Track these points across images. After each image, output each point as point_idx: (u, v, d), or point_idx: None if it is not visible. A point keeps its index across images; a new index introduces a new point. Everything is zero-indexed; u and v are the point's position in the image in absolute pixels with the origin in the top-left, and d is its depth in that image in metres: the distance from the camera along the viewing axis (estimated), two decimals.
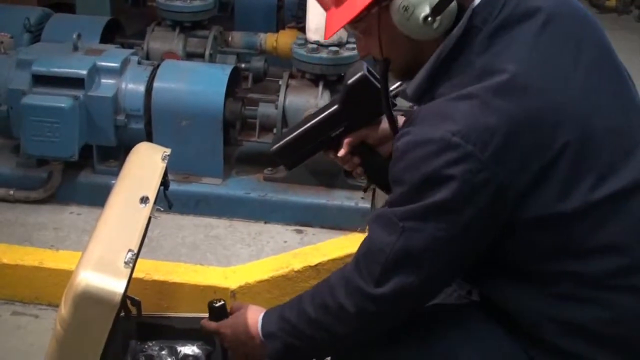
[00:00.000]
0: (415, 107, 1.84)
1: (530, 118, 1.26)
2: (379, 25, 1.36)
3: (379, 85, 1.57)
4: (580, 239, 1.31)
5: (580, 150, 1.28)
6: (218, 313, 1.69)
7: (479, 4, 1.33)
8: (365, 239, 1.41)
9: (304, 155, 1.70)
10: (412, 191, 1.30)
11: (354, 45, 2.84)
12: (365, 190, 1.83)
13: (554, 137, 1.27)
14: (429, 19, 1.29)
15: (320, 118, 1.64)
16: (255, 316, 1.56)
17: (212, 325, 1.68)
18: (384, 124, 1.64)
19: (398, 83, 1.66)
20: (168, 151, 1.85)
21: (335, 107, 1.63)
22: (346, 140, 1.63)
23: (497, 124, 1.25)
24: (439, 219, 1.28)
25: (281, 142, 1.68)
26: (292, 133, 1.68)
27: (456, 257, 1.34)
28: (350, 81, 1.58)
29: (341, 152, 1.63)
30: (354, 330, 1.42)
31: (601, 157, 1.30)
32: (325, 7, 1.43)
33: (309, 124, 1.65)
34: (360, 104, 1.61)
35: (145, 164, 1.80)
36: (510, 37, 1.31)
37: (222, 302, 1.70)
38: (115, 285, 1.36)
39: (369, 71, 1.58)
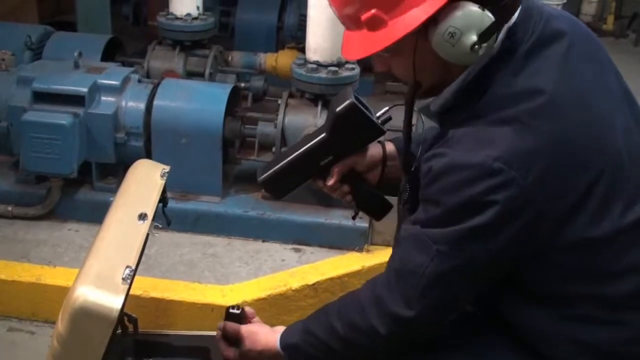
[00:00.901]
0: (414, 130, 1.83)
1: (569, 142, 1.27)
2: (414, 49, 1.32)
3: (367, 113, 1.56)
4: (606, 263, 1.32)
5: (613, 176, 1.29)
6: (235, 320, 1.67)
7: (515, 23, 1.32)
8: (395, 256, 1.40)
9: (292, 185, 1.67)
10: (449, 214, 1.29)
11: (353, 65, 2.88)
12: (354, 217, 1.81)
13: (591, 163, 1.28)
14: (476, 46, 1.26)
15: (309, 147, 1.61)
16: (270, 335, 1.58)
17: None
18: (372, 150, 1.64)
19: (386, 108, 1.64)
20: (167, 168, 1.86)
21: (324, 135, 1.60)
22: (335, 169, 1.61)
23: (538, 149, 1.24)
24: (475, 243, 1.28)
25: (269, 172, 1.64)
26: (280, 162, 1.64)
27: (485, 278, 1.34)
28: (338, 109, 1.55)
29: (330, 181, 1.62)
30: (382, 348, 1.42)
31: (630, 182, 1.32)
32: (352, 28, 1.37)
33: (297, 153, 1.62)
34: (349, 132, 1.59)
35: (144, 181, 1.80)
36: (544, 58, 1.31)
37: (241, 310, 1.68)
38: (112, 301, 1.36)
39: (356, 98, 1.57)
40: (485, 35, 1.26)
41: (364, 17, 1.31)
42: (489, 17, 1.26)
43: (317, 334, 1.48)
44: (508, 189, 1.23)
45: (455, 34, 1.25)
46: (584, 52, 1.36)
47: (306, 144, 1.62)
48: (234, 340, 1.64)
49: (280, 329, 1.59)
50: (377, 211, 1.75)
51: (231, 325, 1.64)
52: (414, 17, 1.26)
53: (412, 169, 1.50)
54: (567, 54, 1.33)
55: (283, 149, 1.75)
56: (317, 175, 1.64)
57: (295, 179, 1.66)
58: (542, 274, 1.33)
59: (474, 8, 1.25)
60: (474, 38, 1.25)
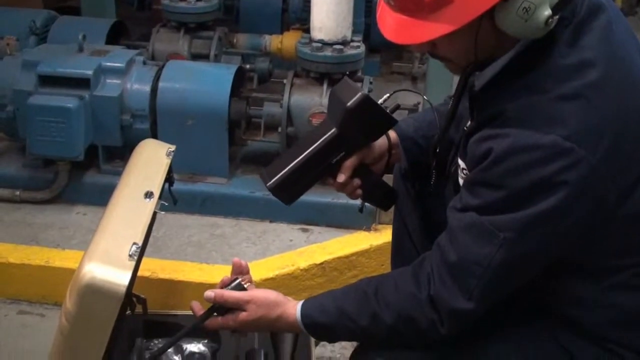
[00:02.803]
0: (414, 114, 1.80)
1: (629, 116, 1.25)
2: (478, 27, 1.24)
3: (378, 103, 1.51)
4: None
5: None
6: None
7: None
8: (449, 248, 1.32)
9: (304, 187, 1.58)
10: (515, 198, 1.24)
11: (359, 44, 2.86)
12: (361, 210, 1.75)
13: None
14: (550, 20, 1.21)
15: (319, 144, 1.52)
16: (287, 301, 1.49)
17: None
18: (378, 140, 1.61)
19: (387, 95, 1.59)
20: (173, 147, 1.86)
21: (334, 131, 1.52)
22: (347, 164, 1.55)
23: (603, 125, 1.22)
24: (544, 227, 1.25)
25: (279, 176, 1.53)
26: (288, 163, 1.54)
27: (551, 260, 1.31)
28: (350, 103, 1.47)
29: (341, 177, 1.56)
30: (436, 340, 1.37)
31: None
32: (407, 10, 1.27)
33: (307, 152, 1.53)
34: (362, 126, 1.52)
35: (150, 160, 1.80)
36: (594, 29, 1.28)
37: (237, 283, 1.54)
38: (120, 277, 1.36)
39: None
40: (559, 7, 1.21)
41: None
42: None
43: (356, 319, 1.40)
44: (578, 168, 1.20)
45: (529, 9, 1.19)
46: (621, 25, 1.34)
47: (314, 142, 1.53)
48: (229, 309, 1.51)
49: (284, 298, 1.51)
50: (385, 201, 1.72)
51: (230, 292, 1.51)
52: None
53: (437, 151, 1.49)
54: (610, 27, 1.30)
55: (286, 151, 1.62)
56: (327, 172, 1.57)
57: (307, 180, 1.57)
58: (593, 249, 1.31)
59: None
60: (549, 11, 1.20)
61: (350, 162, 1.56)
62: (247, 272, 1.61)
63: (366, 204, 1.73)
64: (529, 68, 1.27)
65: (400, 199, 1.76)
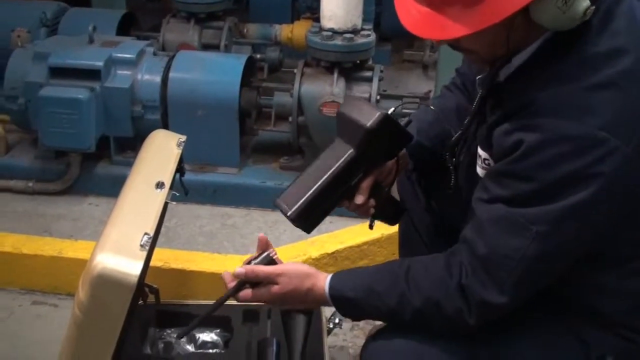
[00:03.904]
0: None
1: None
2: (512, 22, 1.21)
3: (397, 120, 1.47)
4: None
5: None
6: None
7: None
8: (478, 241, 1.29)
9: (324, 213, 1.51)
10: (547, 190, 1.21)
11: (369, 32, 2.84)
12: (371, 227, 1.70)
13: None
14: (588, 10, 1.18)
15: (338, 167, 1.46)
16: (318, 274, 1.46)
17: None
18: None
19: (393, 109, 1.52)
20: (183, 138, 1.86)
21: (351, 152, 1.46)
22: (364, 185, 1.51)
23: (637, 113, 1.20)
24: (577, 219, 1.22)
25: (299, 204, 1.46)
26: (307, 190, 1.47)
27: (583, 252, 1.29)
28: (370, 124, 1.42)
29: (360, 199, 1.51)
30: (464, 329, 1.34)
31: None
32: (437, 6, 1.24)
33: (326, 176, 1.46)
34: (381, 145, 1.47)
35: (161, 150, 1.81)
36: (620, 15, 1.25)
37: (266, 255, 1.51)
38: (131, 267, 1.37)
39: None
40: None
41: None
42: None
43: (384, 298, 1.37)
44: (613, 159, 1.18)
45: (569, 0, 1.16)
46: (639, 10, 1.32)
47: (331, 166, 1.47)
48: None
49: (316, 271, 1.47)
50: (393, 216, 1.69)
51: (261, 267, 1.47)
52: None
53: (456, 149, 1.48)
54: (633, 12, 1.27)
55: (300, 176, 1.53)
56: (345, 195, 1.51)
57: (327, 206, 1.50)
58: (618, 237, 1.30)
59: None
60: (587, 2, 1.17)
61: (367, 183, 1.52)
62: (271, 247, 1.57)
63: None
64: (559, 57, 1.25)
65: (408, 200, 1.75)
